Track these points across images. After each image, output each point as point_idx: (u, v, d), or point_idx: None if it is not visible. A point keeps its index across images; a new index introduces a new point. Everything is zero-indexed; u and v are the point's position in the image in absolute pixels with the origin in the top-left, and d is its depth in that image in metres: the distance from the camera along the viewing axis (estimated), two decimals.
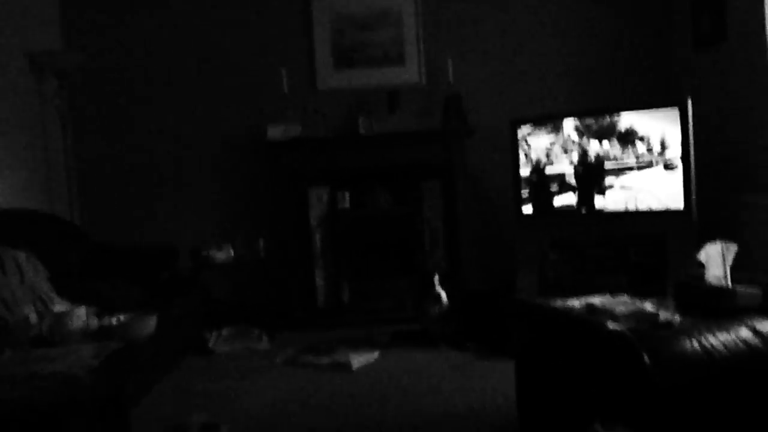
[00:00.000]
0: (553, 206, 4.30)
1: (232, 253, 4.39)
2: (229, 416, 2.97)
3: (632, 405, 1.85)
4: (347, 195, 4.57)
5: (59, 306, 2.09)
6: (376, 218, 4.63)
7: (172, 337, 3.53)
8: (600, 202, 4.31)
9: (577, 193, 4.33)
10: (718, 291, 2.48)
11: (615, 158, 4.26)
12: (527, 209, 4.42)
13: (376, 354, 3.80)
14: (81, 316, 1.81)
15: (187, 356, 3.91)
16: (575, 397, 2.06)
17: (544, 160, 4.43)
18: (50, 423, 1.36)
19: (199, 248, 4.34)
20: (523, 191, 4.39)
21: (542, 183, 4.47)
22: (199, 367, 3.74)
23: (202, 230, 4.73)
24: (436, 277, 4.07)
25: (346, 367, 3.59)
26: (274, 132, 4.52)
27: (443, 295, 4.02)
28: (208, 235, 4.63)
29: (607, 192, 4.18)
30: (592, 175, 4.32)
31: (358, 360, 3.67)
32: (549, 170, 4.45)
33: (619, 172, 4.25)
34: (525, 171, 4.45)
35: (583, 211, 4.24)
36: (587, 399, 1.99)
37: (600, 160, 4.25)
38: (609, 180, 4.28)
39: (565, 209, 4.30)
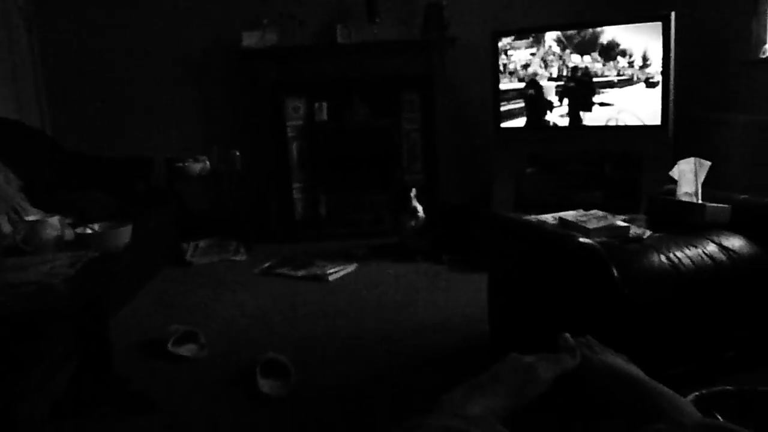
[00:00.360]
0: (542, 120, 4.24)
1: (208, 165, 4.33)
2: (207, 325, 2.98)
3: (601, 317, 1.86)
4: (325, 107, 4.45)
5: (33, 216, 2.06)
6: (354, 131, 4.52)
7: (149, 247, 3.53)
8: (584, 117, 4.30)
9: (558, 108, 4.32)
10: (688, 206, 2.50)
11: (596, 73, 4.23)
12: (516, 123, 4.33)
13: (353, 266, 3.79)
14: (55, 225, 1.79)
15: (165, 268, 3.91)
16: (545, 310, 2.07)
17: (540, 72, 4.36)
18: (27, 331, 1.36)
19: (174, 159, 4.27)
20: (508, 105, 4.29)
21: (539, 97, 4.39)
22: (177, 278, 3.73)
23: (176, 143, 4.64)
24: (414, 191, 4.02)
25: (323, 278, 3.58)
26: (250, 40, 4.37)
27: (420, 209, 3.98)
28: (183, 147, 4.55)
29: (591, 108, 4.21)
30: (578, 90, 4.28)
31: (335, 272, 3.65)
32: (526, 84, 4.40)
33: (600, 87, 4.21)
34: (506, 84, 4.42)
35: (565, 125, 4.23)
36: (557, 312, 2.00)
37: (588, 74, 4.21)
38: (592, 96, 4.25)
39: (544, 125, 4.26)
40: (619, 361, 1.09)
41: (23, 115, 4.31)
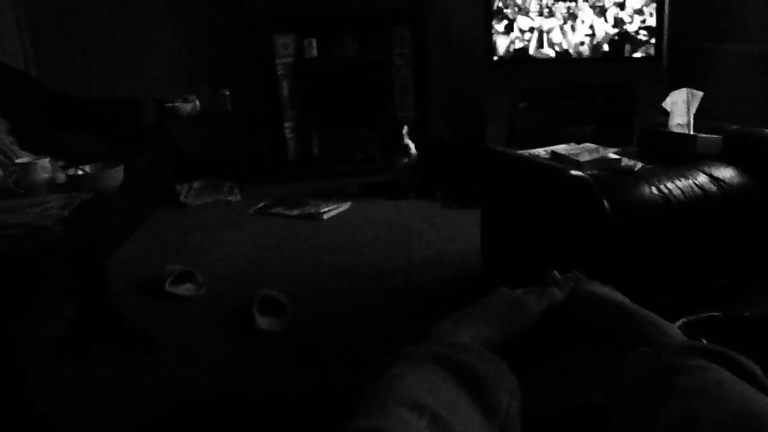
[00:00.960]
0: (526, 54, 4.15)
1: (198, 104, 4.26)
2: (203, 265, 2.98)
3: (591, 249, 1.87)
4: (314, 43, 4.34)
5: (23, 158, 2.04)
6: (344, 68, 4.45)
7: (142, 188, 3.50)
8: (572, 44, 4.21)
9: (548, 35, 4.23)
10: (680, 137, 2.50)
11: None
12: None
13: (346, 205, 3.79)
14: (46, 167, 1.78)
15: (159, 209, 3.88)
16: (537, 243, 2.08)
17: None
18: (24, 272, 1.36)
19: (164, 100, 4.19)
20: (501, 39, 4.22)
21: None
22: (171, 219, 3.71)
23: (165, 82, 4.50)
24: (405, 129, 3.97)
25: (318, 217, 3.58)
26: None
27: (412, 146, 3.95)
28: (171, 87, 4.40)
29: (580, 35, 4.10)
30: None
31: (329, 210, 3.65)
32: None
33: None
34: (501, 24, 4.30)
35: (553, 54, 4.16)
36: (548, 245, 2.01)
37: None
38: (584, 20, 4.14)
39: (537, 57, 4.18)
40: (606, 290, 1.09)
41: (7, 57, 4.18)
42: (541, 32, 4.16)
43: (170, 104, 4.18)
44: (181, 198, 4.05)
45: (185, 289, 2.76)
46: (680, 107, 2.54)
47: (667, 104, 2.61)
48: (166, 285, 2.71)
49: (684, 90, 2.56)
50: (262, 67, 4.39)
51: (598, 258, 1.83)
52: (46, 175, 1.82)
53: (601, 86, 4.12)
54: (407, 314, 2.36)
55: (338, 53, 4.43)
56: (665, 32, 3.88)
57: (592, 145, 2.45)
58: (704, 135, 2.45)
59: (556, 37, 4.12)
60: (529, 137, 4.04)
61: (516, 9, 4.16)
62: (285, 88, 4.51)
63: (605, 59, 3.99)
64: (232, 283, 2.79)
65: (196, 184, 4.23)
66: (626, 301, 1.05)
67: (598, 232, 1.88)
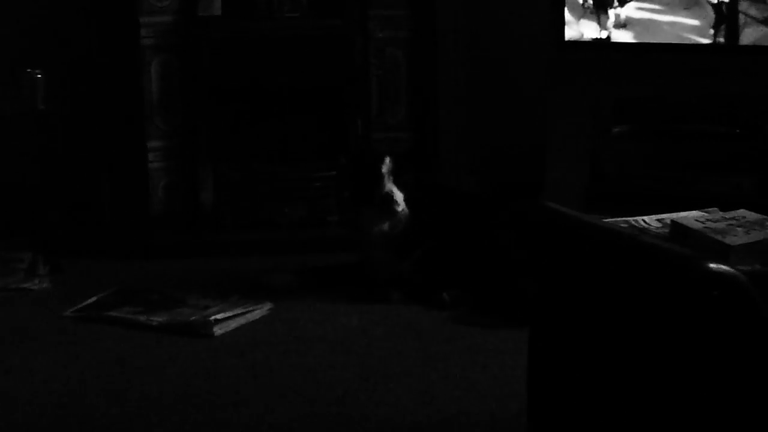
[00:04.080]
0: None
1: None
2: None
3: (744, 393, 1.39)
4: None
5: None
6: (276, 40, 3.44)
7: None
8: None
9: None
10: None
11: None
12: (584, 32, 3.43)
13: (264, 309, 2.98)
14: None
15: None
16: (647, 388, 1.50)
17: None
18: None
19: None
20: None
21: None
22: None
23: None
24: (387, 163, 2.99)
25: (203, 330, 2.84)
26: None
27: (400, 197, 2.98)
28: None
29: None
30: None
31: (228, 318, 2.92)
32: None
33: None
34: None
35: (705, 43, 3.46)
36: (670, 395, 1.48)
37: None
38: None
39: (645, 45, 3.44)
40: None
41: None
42: None
43: None
44: None
45: None
46: None
47: None
48: None
49: None
50: (109, 31, 3.49)
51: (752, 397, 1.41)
52: None
53: None
54: None
55: (262, 10, 3.44)
56: None
57: (752, 215, 2.14)
58: None
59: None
60: (629, 191, 3.28)
61: None
62: (154, 74, 3.45)
63: None
64: None
65: None
66: None
67: (759, 372, 1.39)
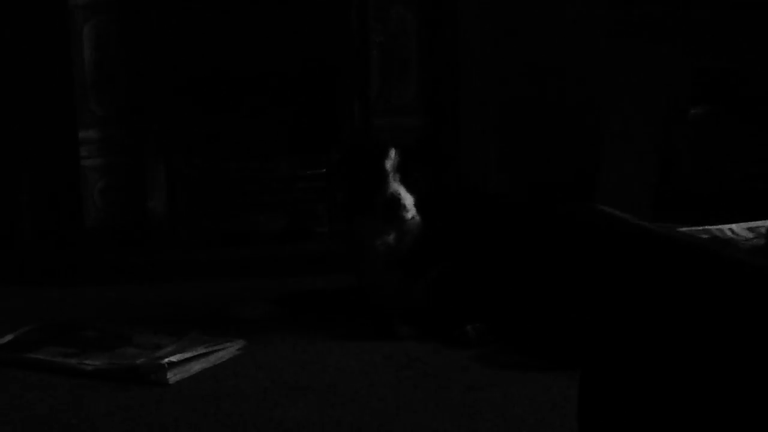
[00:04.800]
0: None
1: None
2: None
3: None
4: None
5: None
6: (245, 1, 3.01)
7: None
8: None
9: None
10: None
11: None
12: None
13: (233, 347, 2.50)
14: None
15: None
16: None
17: None
18: None
19: None
20: None
21: None
22: None
23: None
24: (392, 157, 2.42)
25: (151, 376, 2.45)
26: None
27: (408, 201, 2.43)
28: None
29: None
30: None
31: (185, 361, 2.49)
32: None
33: None
34: None
35: None
36: None
37: None
38: None
39: None
40: None
41: None
42: None
43: None
44: None
45: None
46: None
47: None
48: None
49: None
50: None
51: None
52: None
53: None
54: None
55: None
56: None
57: None
58: None
59: None
60: (710, 191, 2.80)
61: None
62: (86, 42, 2.91)
63: None
64: None
65: None
66: None
67: None
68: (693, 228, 1.93)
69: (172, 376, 2.21)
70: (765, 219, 1.98)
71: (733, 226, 1.97)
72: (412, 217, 2.31)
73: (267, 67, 3.03)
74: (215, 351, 2.28)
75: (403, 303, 2.42)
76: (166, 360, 2.21)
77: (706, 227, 1.97)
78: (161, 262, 2.78)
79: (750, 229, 1.94)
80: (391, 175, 2.31)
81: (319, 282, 2.63)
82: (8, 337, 2.43)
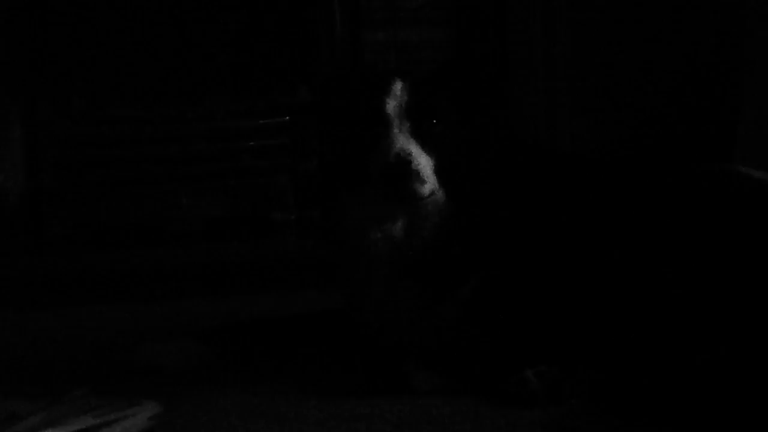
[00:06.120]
0: None
1: None
2: None
3: None
4: None
5: None
6: None
7: None
8: None
9: None
10: None
11: None
12: None
13: (142, 414, 1.34)
14: None
15: None
16: None
17: None
18: None
19: None
20: None
21: None
22: None
23: None
24: (397, 94, 1.43)
25: None
26: None
27: (425, 166, 1.60)
28: None
29: None
30: None
31: None
32: None
33: None
34: None
35: None
36: None
37: None
38: None
39: None
40: None
41: None
42: None
43: None
44: None
45: None
46: None
47: None
48: None
49: None
50: None
51: None
52: None
53: None
54: None
55: None
56: None
57: None
58: None
59: None
60: None
61: None
62: None
63: None
64: None
65: None
66: None
67: None
68: None
69: None
70: None
71: None
72: (432, 193, 1.59)
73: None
74: (111, 423, 1.58)
75: (420, 334, 1.73)
76: None
77: None
78: (19, 275, 1.96)
79: None
80: (395, 123, 1.59)
81: (279, 303, 1.91)
82: None
